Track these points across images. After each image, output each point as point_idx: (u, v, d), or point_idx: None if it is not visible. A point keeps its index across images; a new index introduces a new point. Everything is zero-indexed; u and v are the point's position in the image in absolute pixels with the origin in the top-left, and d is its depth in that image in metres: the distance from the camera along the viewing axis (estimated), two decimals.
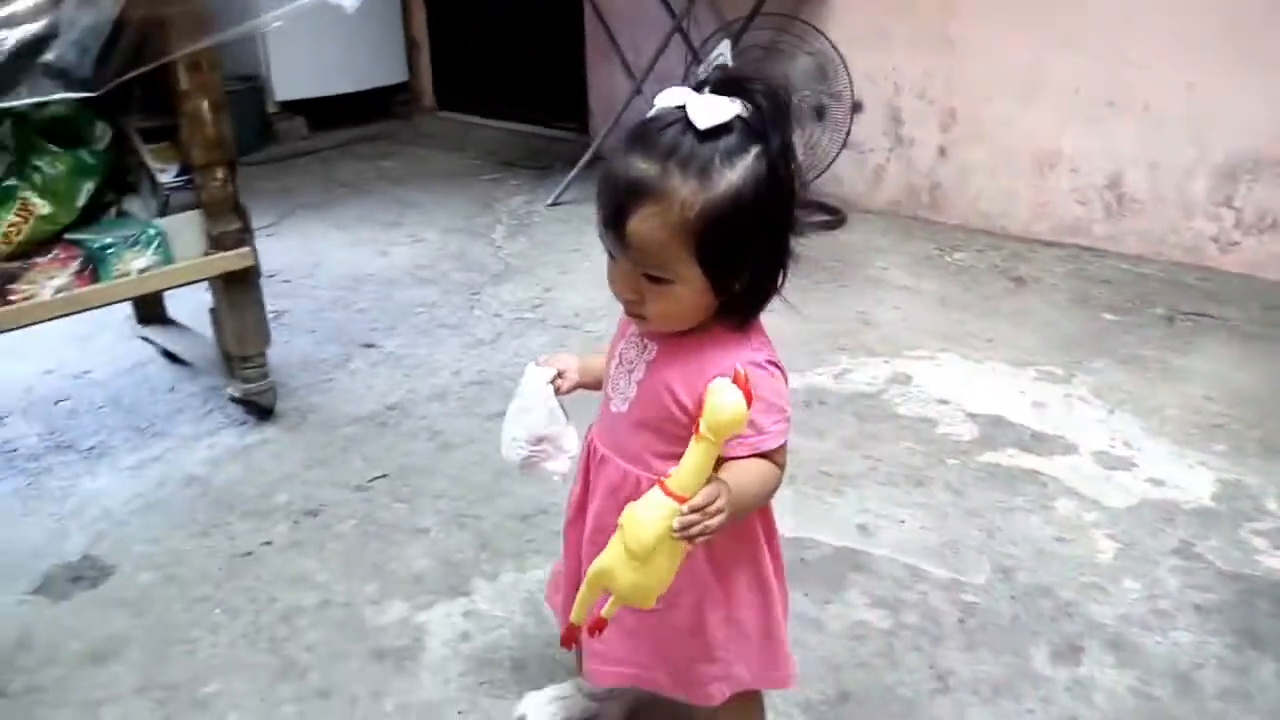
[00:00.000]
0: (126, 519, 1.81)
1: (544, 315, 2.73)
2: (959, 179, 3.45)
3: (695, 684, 1.12)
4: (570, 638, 1.04)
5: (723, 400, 0.87)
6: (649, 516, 0.91)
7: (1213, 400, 2.23)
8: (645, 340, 1.04)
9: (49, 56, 1.54)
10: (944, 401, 2.24)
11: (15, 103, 1.55)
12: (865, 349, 2.51)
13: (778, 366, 1.01)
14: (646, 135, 0.92)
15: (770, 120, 0.91)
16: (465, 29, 4.90)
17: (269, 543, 1.75)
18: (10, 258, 1.73)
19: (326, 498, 1.88)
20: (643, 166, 0.91)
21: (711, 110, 0.90)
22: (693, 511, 0.89)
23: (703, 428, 0.88)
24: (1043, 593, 1.61)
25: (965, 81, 3.34)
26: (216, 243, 1.94)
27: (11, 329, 1.71)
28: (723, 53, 3.24)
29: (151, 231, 1.85)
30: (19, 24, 1.50)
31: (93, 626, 1.56)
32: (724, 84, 0.92)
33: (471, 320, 2.71)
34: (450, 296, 2.87)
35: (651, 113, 0.94)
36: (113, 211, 1.93)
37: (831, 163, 3.46)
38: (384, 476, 1.94)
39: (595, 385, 1.15)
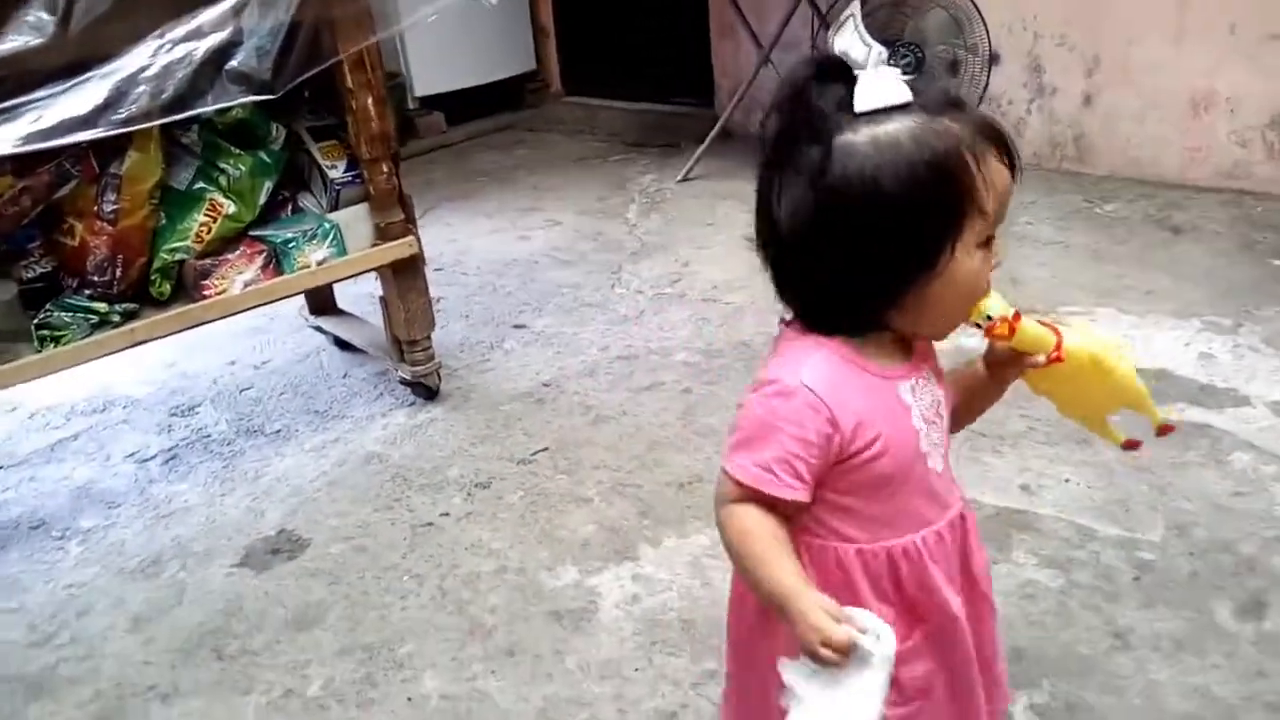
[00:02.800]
0: (315, 495, 1.95)
1: (683, 290, 2.77)
2: (1106, 127, 3.31)
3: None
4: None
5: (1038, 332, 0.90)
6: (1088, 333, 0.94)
7: None
8: (921, 376, 0.90)
9: (233, 63, 1.66)
10: None
11: (204, 109, 1.68)
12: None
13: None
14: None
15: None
16: (591, 14, 4.96)
17: (446, 514, 1.85)
18: (201, 255, 1.88)
19: (494, 470, 1.98)
20: None
21: None
22: None
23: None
24: (1222, 548, 1.57)
25: (1110, 25, 3.20)
26: (383, 233, 2.06)
27: (207, 322, 1.86)
28: (852, 13, 3.19)
29: (327, 225, 1.98)
30: (206, 35, 1.63)
31: (294, 594, 1.69)
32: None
33: (614, 298, 2.77)
34: (592, 276, 2.94)
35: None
36: (289, 208, 2.07)
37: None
38: (545, 450, 2.03)
39: None
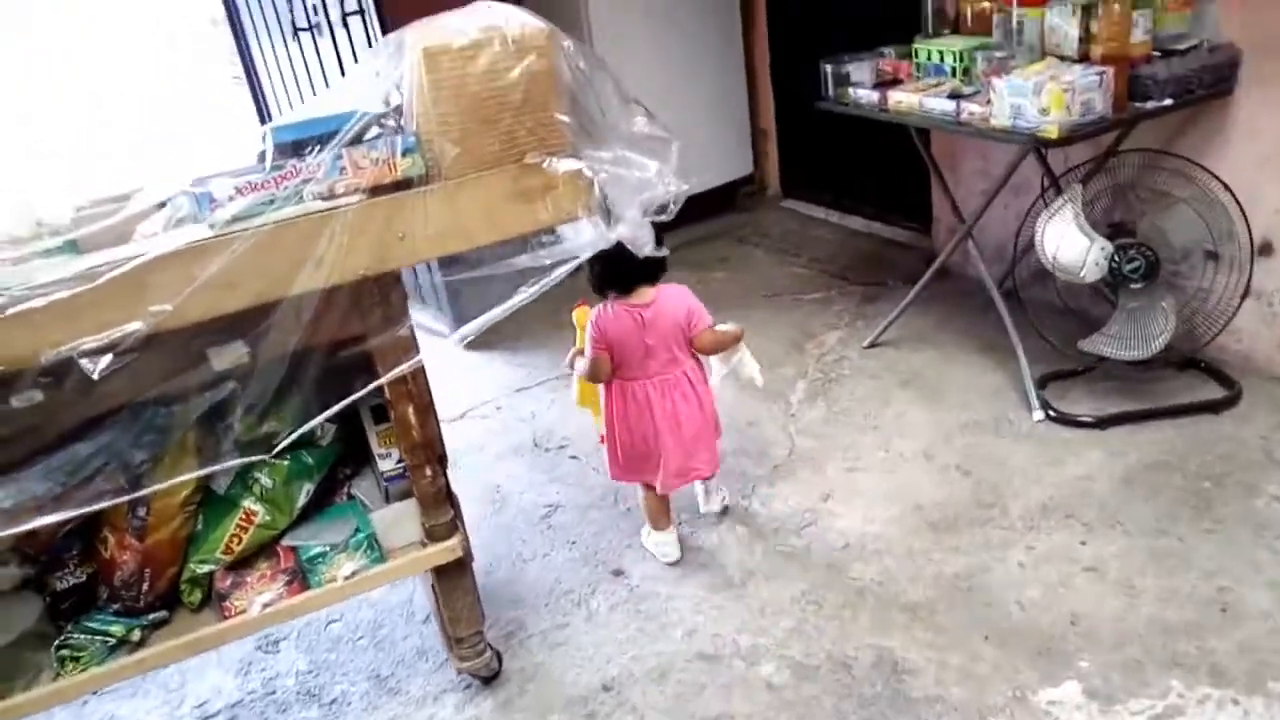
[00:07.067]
0: None
1: (808, 543, 2.41)
2: None
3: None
4: None
5: None
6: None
7: None
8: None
9: (226, 422, 1.57)
10: None
11: (201, 471, 1.60)
12: (1210, 669, 1.89)
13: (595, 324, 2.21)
14: None
15: None
16: (814, 117, 4.58)
17: None
18: (233, 565, 1.83)
19: None
20: None
21: None
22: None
23: None
24: None
25: None
26: (429, 533, 1.91)
27: (222, 644, 1.80)
28: (1070, 199, 2.65)
29: (360, 535, 1.86)
30: (195, 396, 1.55)
31: None
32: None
33: (727, 543, 2.47)
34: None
35: None
36: (344, 493, 1.98)
37: (1229, 320, 2.71)
38: None
39: None
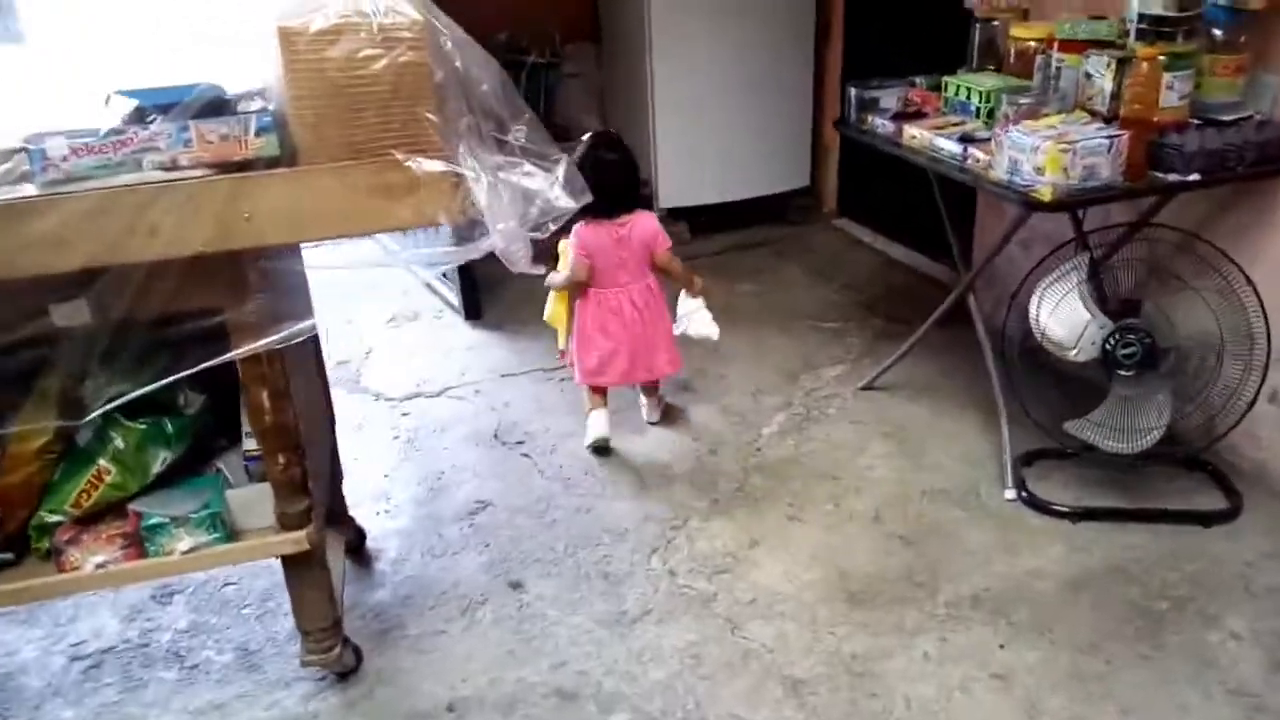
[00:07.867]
0: None
1: (716, 590, 2.28)
2: None
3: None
4: None
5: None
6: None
7: None
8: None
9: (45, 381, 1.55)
10: None
11: (37, 425, 1.59)
12: None
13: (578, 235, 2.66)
14: None
15: None
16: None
17: None
18: (79, 520, 1.82)
19: None
20: None
21: None
22: None
23: None
24: None
25: None
26: (279, 520, 1.87)
27: (50, 598, 1.80)
28: (1076, 266, 2.42)
29: (205, 513, 1.83)
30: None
31: None
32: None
33: (636, 575, 2.35)
34: (646, 526, 2.53)
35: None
36: (213, 467, 1.95)
37: (1233, 427, 2.44)
38: None
39: None
